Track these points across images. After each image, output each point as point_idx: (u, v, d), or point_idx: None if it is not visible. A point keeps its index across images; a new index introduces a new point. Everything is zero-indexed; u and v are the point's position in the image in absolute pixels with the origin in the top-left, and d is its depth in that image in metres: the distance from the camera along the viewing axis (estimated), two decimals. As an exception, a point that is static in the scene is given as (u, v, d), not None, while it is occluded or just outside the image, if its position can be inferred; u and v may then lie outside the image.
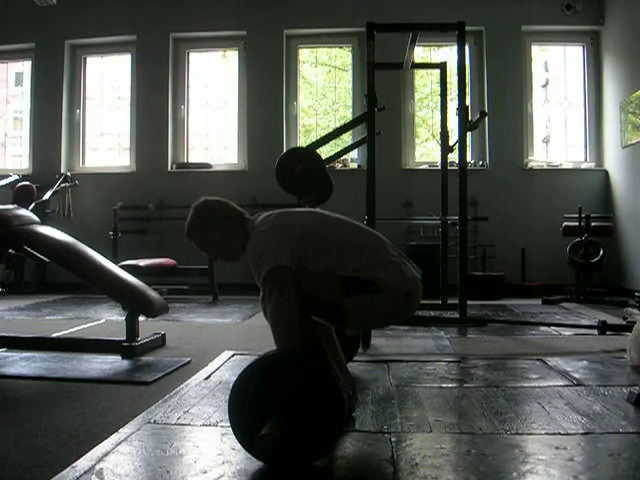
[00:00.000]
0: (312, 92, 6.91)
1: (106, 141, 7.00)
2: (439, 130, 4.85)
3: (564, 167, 6.28)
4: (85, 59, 6.84)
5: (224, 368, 2.72)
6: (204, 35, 6.61)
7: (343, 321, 1.96)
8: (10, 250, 3.58)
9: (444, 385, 2.41)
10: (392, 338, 3.51)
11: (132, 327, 3.04)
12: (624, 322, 3.68)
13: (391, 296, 1.92)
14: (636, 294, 4.61)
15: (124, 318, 3.09)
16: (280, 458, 1.56)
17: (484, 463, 1.57)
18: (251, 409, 1.59)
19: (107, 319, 4.28)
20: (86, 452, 1.63)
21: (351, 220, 2.13)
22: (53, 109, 6.59)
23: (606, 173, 6.13)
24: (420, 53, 6.42)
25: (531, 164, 6.28)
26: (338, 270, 1.92)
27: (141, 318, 3.13)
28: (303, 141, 6.57)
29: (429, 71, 6.36)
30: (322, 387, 1.58)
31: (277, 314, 1.78)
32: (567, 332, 3.66)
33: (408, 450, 1.67)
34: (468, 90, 5.68)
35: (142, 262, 5.06)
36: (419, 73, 6.54)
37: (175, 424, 1.91)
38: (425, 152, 6.76)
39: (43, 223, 3.48)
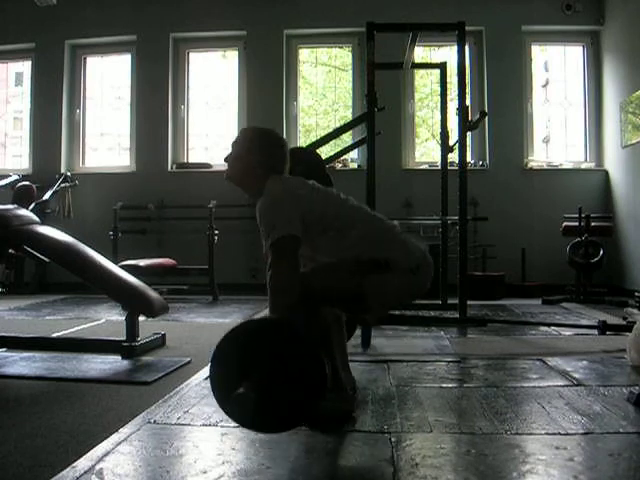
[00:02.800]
0: (312, 92, 6.91)
1: (106, 141, 7.01)
2: (439, 130, 4.84)
3: (564, 167, 6.28)
4: (85, 59, 6.84)
5: (224, 368, 2.71)
6: (204, 35, 6.61)
7: (365, 306, 1.96)
8: (10, 250, 3.57)
9: (444, 385, 2.42)
10: (392, 338, 3.51)
11: (132, 327, 3.04)
12: (624, 322, 3.68)
13: (401, 273, 1.93)
14: (636, 294, 4.61)
15: (124, 318, 3.09)
16: (253, 420, 1.59)
17: (484, 463, 1.57)
18: (230, 368, 1.64)
19: (107, 319, 4.28)
20: (86, 452, 1.63)
21: (357, 202, 2.12)
22: (53, 109, 6.59)
23: (606, 173, 6.12)
24: (420, 53, 6.42)
25: (531, 164, 6.27)
26: (347, 250, 1.93)
27: (141, 318, 3.13)
28: (303, 141, 6.57)
29: (429, 71, 6.35)
30: (303, 354, 1.62)
31: (278, 281, 1.81)
32: (567, 332, 3.66)
33: (408, 450, 1.67)
34: (468, 90, 5.67)
35: (142, 262, 5.06)
36: (419, 73, 6.54)
37: (175, 424, 1.91)
38: (425, 152, 6.76)
39: (43, 223, 3.48)
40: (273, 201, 1.94)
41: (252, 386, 1.57)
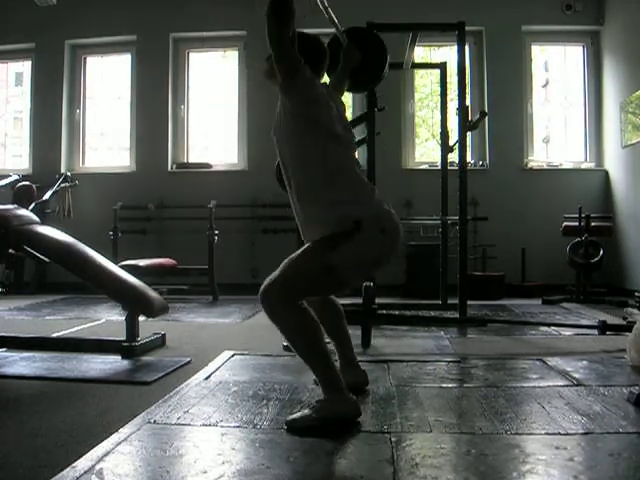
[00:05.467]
0: (312, 92, 6.90)
1: (106, 141, 7.01)
2: (439, 130, 4.84)
3: (564, 167, 6.28)
4: (85, 59, 6.83)
5: (224, 368, 2.72)
6: (204, 35, 6.60)
7: (339, 281, 1.97)
8: (10, 250, 3.57)
9: (444, 385, 2.42)
10: (392, 338, 3.51)
11: (132, 327, 3.04)
12: (624, 322, 3.67)
13: (369, 234, 1.95)
14: (636, 294, 4.61)
15: (124, 318, 3.09)
16: None
17: (484, 463, 1.57)
18: None
19: (107, 319, 4.28)
20: (86, 452, 1.63)
21: (341, 128, 2.20)
22: (53, 109, 6.58)
23: (606, 173, 6.12)
24: (420, 53, 6.41)
25: (531, 164, 6.27)
26: (329, 206, 1.98)
27: (141, 318, 3.13)
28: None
29: (429, 71, 6.35)
30: None
31: None
32: (567, 332, 3.66)
33: (408, 450, 1.67)
34: (468, 90, 5.67)
35: (142, 262, 5.05)
36: (419, 73, 6.53)
37: (175, 424, 1.91)
38: (425, 152, 6.75)
39: (43, 223, 3.48)
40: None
41: None
